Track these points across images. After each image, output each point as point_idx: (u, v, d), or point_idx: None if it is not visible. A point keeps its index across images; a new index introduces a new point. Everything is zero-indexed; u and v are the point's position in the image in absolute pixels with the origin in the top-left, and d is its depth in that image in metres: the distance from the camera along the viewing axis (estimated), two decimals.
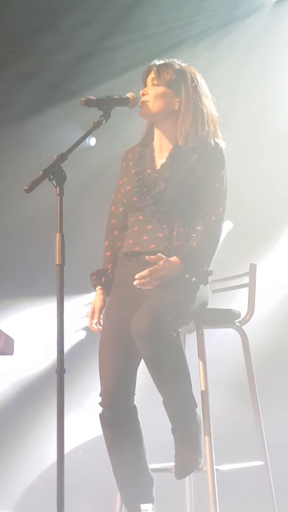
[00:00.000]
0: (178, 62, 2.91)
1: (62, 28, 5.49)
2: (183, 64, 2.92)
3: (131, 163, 2.94)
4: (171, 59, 2.92)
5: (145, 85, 2.91)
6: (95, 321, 2.88)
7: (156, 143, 2.93)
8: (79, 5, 5.43)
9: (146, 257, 2.68)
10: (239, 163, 4.17)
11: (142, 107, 2.86)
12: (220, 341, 3.66)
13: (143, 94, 2.87)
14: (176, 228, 2.79)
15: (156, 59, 2.91)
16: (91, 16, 5.50)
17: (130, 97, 2.79)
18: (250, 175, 4.90)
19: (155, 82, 2.86)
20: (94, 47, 5.65)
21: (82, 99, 2.65)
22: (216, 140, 2.87)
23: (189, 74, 2.88)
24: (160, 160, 2.89)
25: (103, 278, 2.92)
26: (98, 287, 2.93)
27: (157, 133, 2.93)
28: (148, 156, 2.92)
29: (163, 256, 2.68)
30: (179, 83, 2.85)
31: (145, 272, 2.66)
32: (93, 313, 2.90)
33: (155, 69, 2.87)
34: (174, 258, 2.69)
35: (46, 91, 5.60)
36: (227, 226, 5.16)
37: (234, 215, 4.44)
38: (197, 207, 2.82)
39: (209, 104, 2.89)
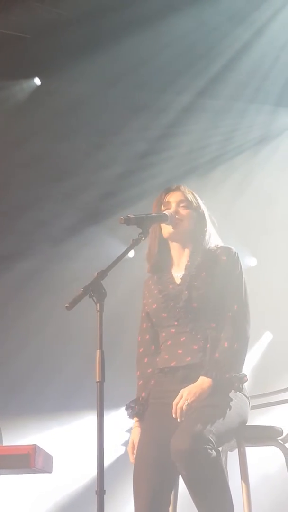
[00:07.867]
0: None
1: (105, 147, 5.71)
2: None
3: (152, 286, 3.01)
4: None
5: (164, 201, 2.99)
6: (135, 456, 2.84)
7: (175, 261, 3.01)
8: (119, 126, 5.68)
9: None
10: (274, 277, 4.17)
11: (179, 225, 2.94)
12: (263, 458, 3.53)
13: (176, 212, 2.95)
14: (210, 341, 2.80)
15: (170, 185, 3.04)
16: (132, 135, 5.74)
17: (168, 214, 2.88)
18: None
19: (184, 204, 2.97)
20: (134, 164, 5.85)
21: (122, 217, 2.73)
22: (227, 245, 2.98)
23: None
24: (178, 273, 2.96)
25: (136, 407, 2.91)
26: (135, 419, 2.91)
27: (176, 251, 3.01)
28: (166, 275, 2.99)
29: (180, 395, 2.67)
30: (199, 205, 3.00)
31: (175, 409, 2.66)
32: (133, 447, 2.86)
33: (183, 192, 3.00)
34: (199, 380, 2.69)
35: (89, 208, 5.78)
36: (267, 337, 5.09)
37: (274, 326, 4.40)
38: (223, 309, 2.84)
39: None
